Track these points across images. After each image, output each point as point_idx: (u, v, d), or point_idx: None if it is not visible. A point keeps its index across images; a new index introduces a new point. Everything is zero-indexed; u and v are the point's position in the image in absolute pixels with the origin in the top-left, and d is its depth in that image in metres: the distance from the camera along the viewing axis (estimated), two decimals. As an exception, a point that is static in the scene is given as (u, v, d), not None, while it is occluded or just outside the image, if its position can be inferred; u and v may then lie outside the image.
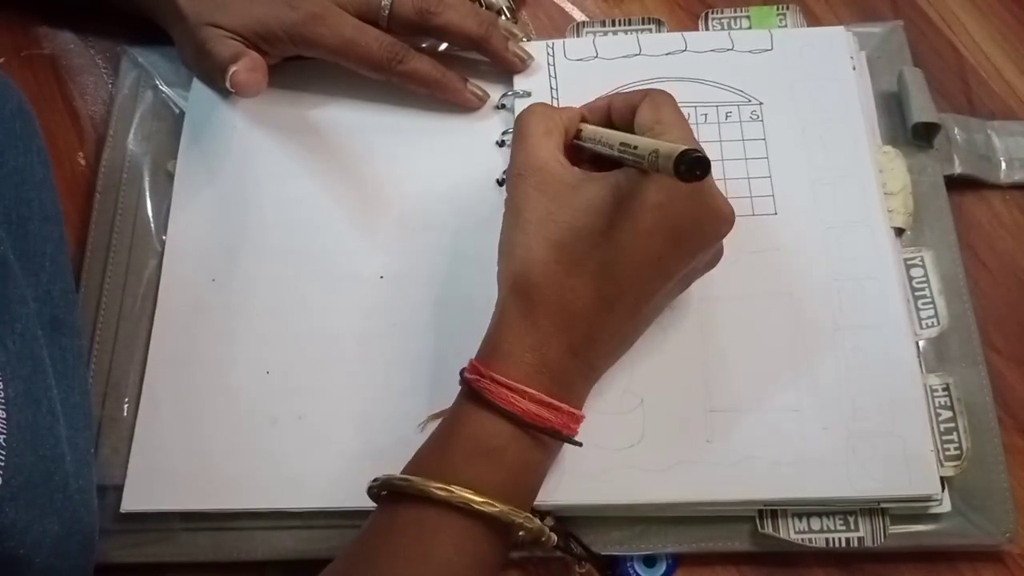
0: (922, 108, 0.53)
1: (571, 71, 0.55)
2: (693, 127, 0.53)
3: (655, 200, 0.41)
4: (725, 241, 0.45)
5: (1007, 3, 0.60)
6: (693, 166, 0.35)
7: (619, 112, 0.46)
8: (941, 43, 0.59)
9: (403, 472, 0.41)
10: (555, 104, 0.54)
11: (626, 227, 0.41)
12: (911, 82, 0.54)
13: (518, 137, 0.45)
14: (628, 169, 0.41)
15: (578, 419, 0.42)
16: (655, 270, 0.42)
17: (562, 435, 0.41)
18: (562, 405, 0.41)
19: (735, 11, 0.58)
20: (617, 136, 0.42)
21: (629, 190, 0.41)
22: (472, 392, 0.41)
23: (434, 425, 0.44)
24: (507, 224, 0.44)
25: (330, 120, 0.56)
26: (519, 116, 0.46)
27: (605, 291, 0.41)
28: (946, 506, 0.45)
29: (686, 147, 0.36)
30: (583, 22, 0.59)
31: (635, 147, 0.39)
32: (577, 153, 0.46)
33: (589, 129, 0.46)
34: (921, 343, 0.49)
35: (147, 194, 0.55)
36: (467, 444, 0.41)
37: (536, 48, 0.56)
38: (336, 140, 0.55)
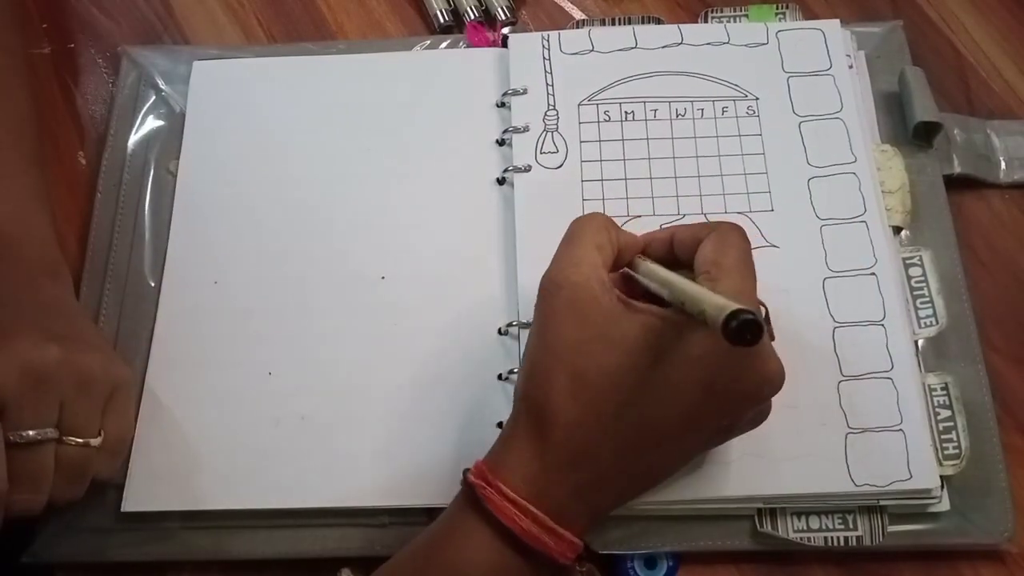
0: (924, 107, 0.53)
1: (566, 65, 0.55)
2: (689, 123, 0.53)
3: (694, 352, 0.37)
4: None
5: (1007, 3, 0.60)
6: (742, 329, 0.32)
7: (682, 245, 0.42)
8: (941, 43, 0.59)
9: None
10: (549, 99, 0.54)
11: (657, 376, 0.37)
12: (913, 81, 0.54)
13: (565, 242, 0.41)
14: (671, 310, 0.38)
15: (576, 549, 0.39)
16: (684, 425, 0.39)
17: (556, 563, 0.38)
18: (564, 532, 0.38)
19: (734, 10, 0.58)
20: (670, 280, 0.38)
21: (667, 335, 0.37)
22: (472, 499, 0.39)
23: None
24: (531, 339, 0.41)
25: (331, 121, 0.56)
26: (574, 221, 0.42)
27: (623, 438, 0.38)
28: (944, 505, 0.45)
29: (737, 307, 0.32)
30: (581, 20, 0.59)
31: (685, 296, 0.36)
32: (628, 283, 0.42)
33: (645, 265, 0.42)
34: (919, 342, 0.49)
35: (148, 194, 0.55)
36: (445, 565, 0.38)
37: (530, 41, 0.56)
38: (337, 141, 0.55)
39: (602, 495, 0.40)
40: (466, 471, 0.40)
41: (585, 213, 0.43)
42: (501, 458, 0.40)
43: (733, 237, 0.40)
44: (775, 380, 0.39)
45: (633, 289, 0.42)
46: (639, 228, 0.50)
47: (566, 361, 0.38)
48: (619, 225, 0.43)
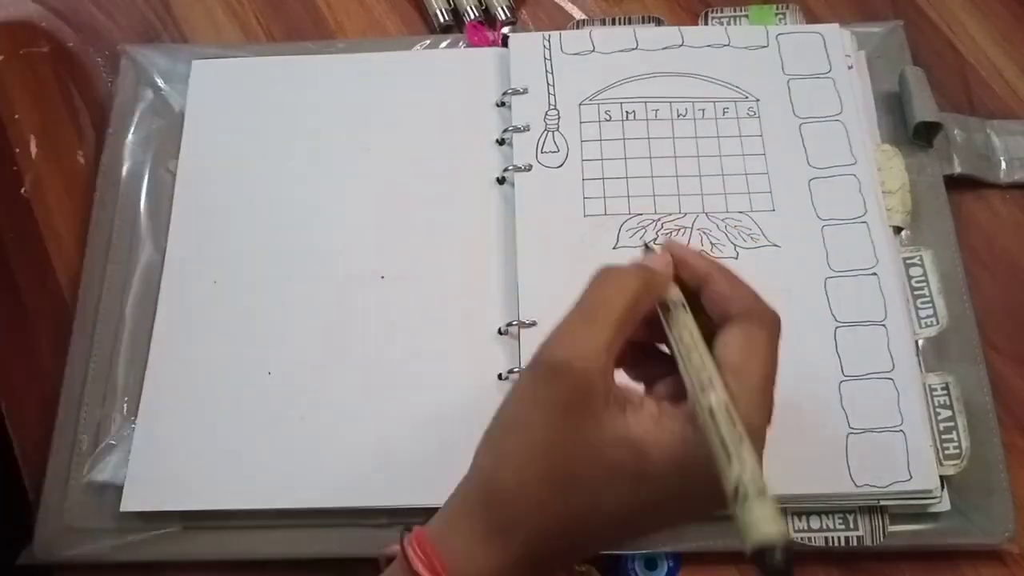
0: (924, 107, 0.53)
1: (567, 65, 0.55)
2: (690, 123, 0.53)
3: (675, 488, 0.32)
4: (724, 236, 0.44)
5: (1007, 3, 0.60)
6: (777, 569, 0.28)
7: (712, 304, 0.34)
8: (941, 43, 0.59)
9: None
10: (550, 99, 0.54)
11: (633, 505, 0.32)
12: (913, 81, 0.54)
13: (582, 310, 0.33)
14: (667, 421, 0.32)
15: None
16: (641, 531, 0.35)
17: None
18: None
19: (734, 10, 0.58)
20: (699, 380, 0.31)
21: (658, 475, 0.32)
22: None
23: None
24: (511, 414, 0.34)
25: (330, 120, 0.56)
26: (597, 278, 0.34)
27: (582, 538, 0.34)
28: (945, 505, 0.45)
29: (776, 541, 0.28)
30: (581, 20, 0.59)
31: (718, 431, 0.30)
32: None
33: (677, 320, 0.34)
34: (920, 342, 0.49)
35: (147, 193, 0.55)
36: None
37: (531, 41, 0.56)
38: (337, 140, 0.55)
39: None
40: (403, 537, 0.35)
41: (612, 269, 0.34)
42: (452, 543, 0.34)
43: (763, 339, 0.33)
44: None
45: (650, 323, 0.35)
46: (638, 226, 0.51)
47: (545, 464, 0.33)
48: (650, 276, 0.34)
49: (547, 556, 0.34)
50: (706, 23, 0.58)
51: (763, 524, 0.28)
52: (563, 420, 0.32)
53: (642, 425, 0.32)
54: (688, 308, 0.34)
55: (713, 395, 0.30)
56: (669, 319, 0.34)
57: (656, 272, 0.35)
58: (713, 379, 0.31)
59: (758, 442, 0.32)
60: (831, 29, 0.56)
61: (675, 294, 0.35)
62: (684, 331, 0.33)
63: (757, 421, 0.32)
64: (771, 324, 0.34)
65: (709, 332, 0.34)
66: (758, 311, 0.34)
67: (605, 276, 0.34)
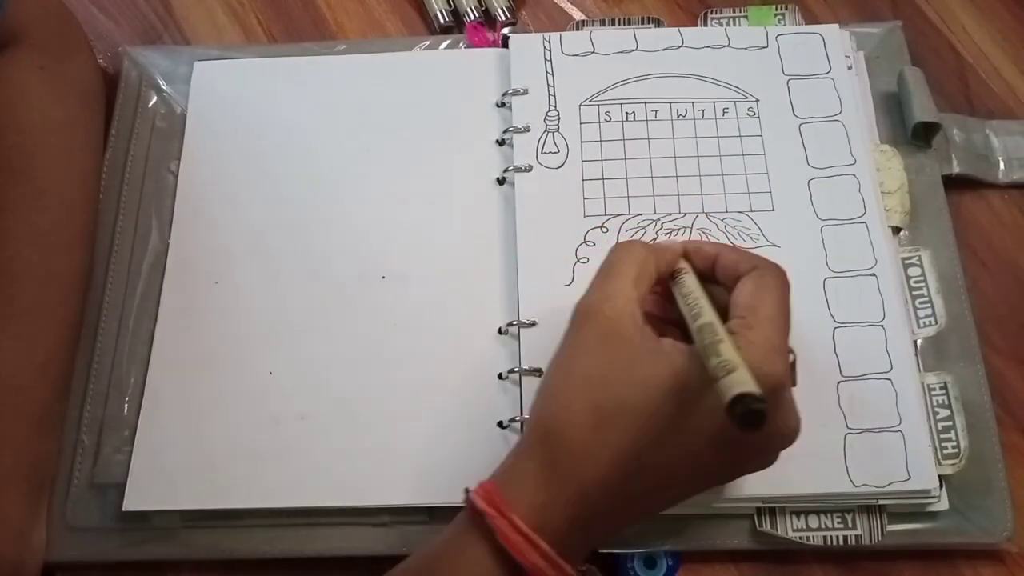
0: (923, 108, 0.53)
1: (567, 66, 0.55)
2: (690, 123, 0.53)
3: (714, 403, 0.34)
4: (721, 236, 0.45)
5: (1006, 3, 0.60)
6: (748, 417, 0.31)
7: (724, 272, 0.40)
8: (940, 43, 0.59)
9: None
10: (550, 99, 0.54)
11: (678, 420, 0.36)
12: (912, 82, 0.54)
13: (602, 272, 0.40)
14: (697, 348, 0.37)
15: None
16: (695, 470, 0.38)
17: None
18: (566, 566, 0.37)
19: (734, 11, 0.58)
20: (697, 315, 0.37)
21: (693, 380, 0.36)
22: (478, 523, 0.37)
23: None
24: (556, 362, 0.39)
25: (331, 121, 0.56)
26: (613, 249, 0.41)
27: (634, 477, 0.37)
28: (944, 504, 0.45)
29: (744, 391, 0.31)
30: (582, 20, 0.59)
31: (704, 350, 0.35)
32: (666, 295, 0.42)
33: (683, 282, 0.40)
34: (919, 342, 0.49)
35: (150, 194, 0.55)
36: None
37: (532, 42, 0.56)
38: (337, 141, 0.55)
39: (601, 529, 0.39)
40: (468, 491, 0.38)
41: (624, 241, 0.42)
42: (508, 481, 0.38)
43: (772, 280, 0.39)
44: (791, 436, 0.38)
45: (670, 304, 0.41)
46: (638, 226, 0.51)
47: (589, 394, 0.37)
48: (659, 247, 0.41)
49: (599, 498, 0.37)
50: (705, 24, 0.58)
51: (737, 385, 0.32)
52: (601, 353, 0.38)
53: (671, 342, 0.38)
54: (694, 275, 0.41)
55: (701, 319, 0.37)
56: (677, 282, 0.41)
57: (660, 244, 0.42)
58: (704, 311, 0.37)
59: (781, 357, 0.37)
60: (831, 29, 0.56)
61: (682, 264, 0.41)
62: (687, 286, 0.40)
63: (777, 341, 0.37)
64: (777, 270, 0.39)
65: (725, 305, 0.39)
66: (764, 264, 0.40)
67: (618, 245, 0.41)
